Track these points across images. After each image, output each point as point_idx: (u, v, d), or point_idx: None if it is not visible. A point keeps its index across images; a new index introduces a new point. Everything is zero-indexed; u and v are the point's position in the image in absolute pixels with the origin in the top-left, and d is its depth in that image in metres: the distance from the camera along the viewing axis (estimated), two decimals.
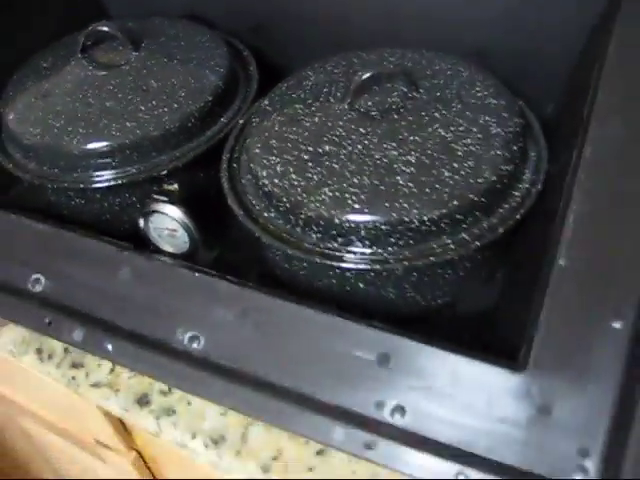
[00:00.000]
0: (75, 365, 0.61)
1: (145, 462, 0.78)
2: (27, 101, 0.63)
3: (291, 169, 0.53)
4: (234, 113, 0.63)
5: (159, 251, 0.61)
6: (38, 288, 0.55)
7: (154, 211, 0.60)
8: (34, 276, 0.55)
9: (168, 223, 0.60)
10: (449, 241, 0.51)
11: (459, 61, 0.59)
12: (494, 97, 0.56)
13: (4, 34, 0.69)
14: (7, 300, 0.54)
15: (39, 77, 0.64)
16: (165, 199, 0.59)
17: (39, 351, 0.63)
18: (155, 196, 0.59)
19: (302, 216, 0.52)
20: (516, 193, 0.54)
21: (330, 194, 0.51)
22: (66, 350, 0.62)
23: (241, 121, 0.62)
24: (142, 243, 0.61)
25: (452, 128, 0.54)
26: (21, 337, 0.64)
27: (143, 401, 0.58)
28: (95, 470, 0.86)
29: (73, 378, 0.60)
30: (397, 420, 0.44)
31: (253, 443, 0.54)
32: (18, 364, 0.70)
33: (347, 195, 0.51)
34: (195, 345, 0.49)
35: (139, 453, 0.78)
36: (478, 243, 0.51)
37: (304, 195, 0.52)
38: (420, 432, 0.43)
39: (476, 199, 0.51)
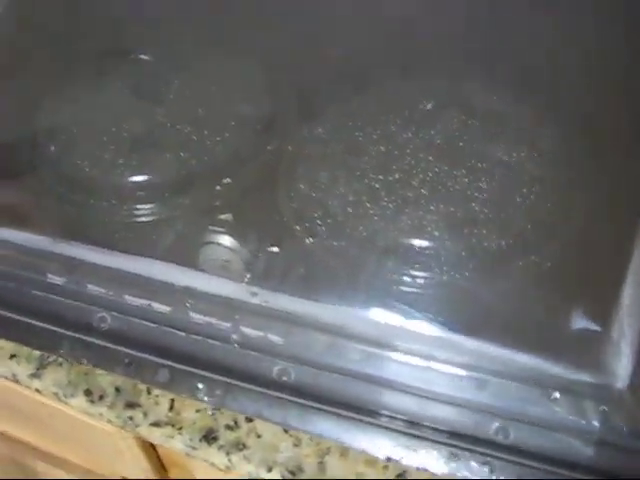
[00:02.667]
0: (131, 405, 0.59)
1: None
2: (70, 131, 0.60)
3: (365, 198, 0.54)
4: (280, 140, 0.63)
5: None
6: (104, 325, 0.53)
7: (208, 242, 0.59)
8: (99, 314, 0.54)
9: (223, 254, 0.59)
10: (520, 263, 0.53)
11: (503, 89, 0.61)
12: (553, 121, 0.59)
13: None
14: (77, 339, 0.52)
15: (78, 106, 0.62)
16: (221, 229, 0.58)
17: (88, 392, 0.60)
18: (211, 227, 0.58)
19: (381, 244, 0.52)
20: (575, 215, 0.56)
21: (409, 222, 0.52)
22: (117, 389, 0.60)
23: (290, 148, 0.62)
24: None
25: (514, 154, 0.56)
26: (66, 378, 0.61)
27: (210, 437, 0.57)
28: None
29: (130, 418, 0.58)
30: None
31: (332, 471, 0.54)
32: (43, 405, 0.67)
33: (425, 222, 0.52)
34: (286, 378, 0.49)
35: None
36: (549, 264, 0.53)
37: (382, 223, 0.52)
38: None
39: (548, 222, 0.53)
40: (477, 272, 0.52)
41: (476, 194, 0.53)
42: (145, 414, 0.58)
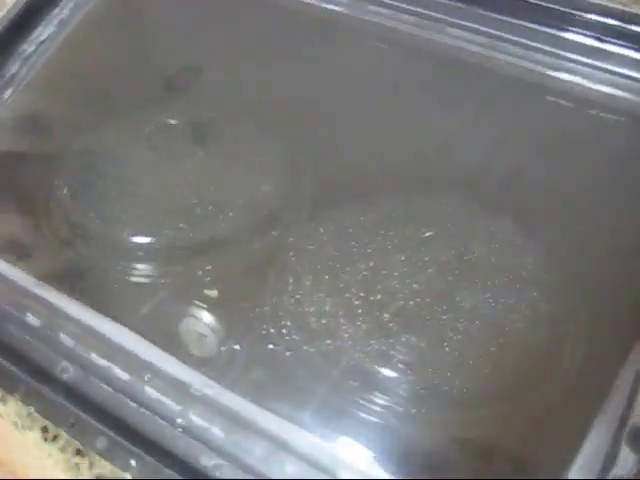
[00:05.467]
0: (80, 452, 0.60)
1: None
2: (84, 179, 0.63)
3: (341, 312, 0.54)
4: (285, 229, 0.63)
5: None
6: (66, 376, 0.55)
7: (189, 315, 0.60)
8: (63, 363, 0.55)
9: (201, 327, 0.60)
10: (483, 413, 0.52)
11: (513, 224, 0.61)
12: (546, 270, 0.58)
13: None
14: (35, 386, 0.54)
15: (100, 155, 0.65)
16: (204, 305, 0.59)
17: (44, 429, 0.61)
18: (196, 301, 0.59)
19: (344, 362, 0.52)
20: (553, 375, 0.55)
21: (376, 347, 0.52)
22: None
23: (291, 239, 0.62)
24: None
25: (502, 300, 0.55)
26: (26, 411, 0.62)
27: None
28: None
29: (76, 465, 0.59)
30: None
31: None
32: None
33: (393, 352, 0.52)
34: (218, 473, 0.50)
35: None
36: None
37: (350, 343, 0.53)
38: None
39: (517, 380, 0.52)
40: (433, 413, 0.51)
41: (451, 334, 0.53)
42: (91, 465, 0.59)
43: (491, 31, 0.60)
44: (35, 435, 0.61)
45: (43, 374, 0.55)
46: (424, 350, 0.52)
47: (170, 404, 0.52)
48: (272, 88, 0.70)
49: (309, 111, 0.67)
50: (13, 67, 0.67)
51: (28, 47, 0.68)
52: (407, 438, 0.51)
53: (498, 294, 0.55)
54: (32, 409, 0.55)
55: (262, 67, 0.71)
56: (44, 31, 0.68)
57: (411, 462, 0.49)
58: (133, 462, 0.50)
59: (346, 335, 0.53)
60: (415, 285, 0.55)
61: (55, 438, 0.61)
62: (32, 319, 0.57)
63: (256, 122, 0.69)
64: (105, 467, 0.58)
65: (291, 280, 0.58)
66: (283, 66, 0.70)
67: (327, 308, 0.55)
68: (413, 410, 0.51)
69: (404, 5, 0.62)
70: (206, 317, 0.58)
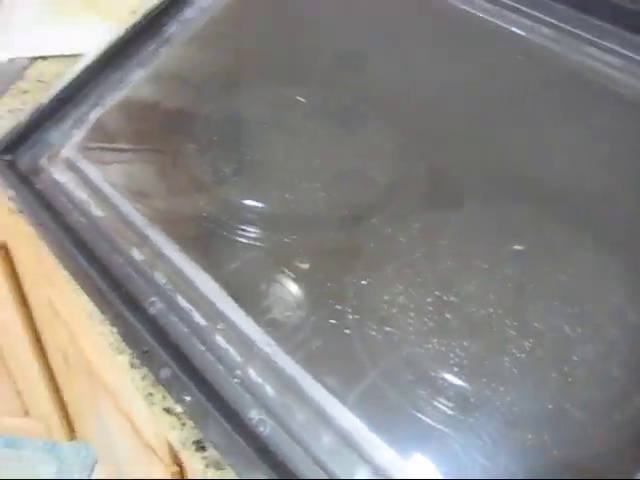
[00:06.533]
0: (156, 384, 0.65)
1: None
2: (210, 138, 0.68)
3: (412, 305, 0.55)
4: (385, 219, 0.65)
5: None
6: (152, 309, 0.60)
7: (273, 279, 0.63)
8: (153, 298, 0.60)
9: (279, 292, 0.63)
10: (530, 436, 0.51)
11: (608, 255, 0.58)
12: (634, 309, 0.55)
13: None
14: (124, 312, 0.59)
15: (230, 118, 0.69)
16: (288, 273, 0.62)
17: (134, 356, 0.67)
18: (282, 268, 0.62)
19: (404, 354, 0.53)
20: (618, 416, 0.52)
21: (437, 347, 0.53)
22: None
23: (389, 230, 0.64)
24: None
25: (579, 329, 0.53)
26: None
27: (200, 445, 0.61)
28: None
29: (150, 394, 0.64)
30: None
31: None
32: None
33: (452, 355, 0.52)
34: (262, 428, 0.53)
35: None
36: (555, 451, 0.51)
37: (413, 336, 0.53)
38: None
39: (572, 410, 0.50)
40: (476, 423, 0.51)
41: (514, 350, 0.52)
42: (164, 397, 0.64)
43: (629, 54, 0.58)
44: (124, 359, 0.67)
45: (134, 303, 0.60)
46: (483, 359, 0.52)
47: (234, 355, 0.55)
48: (407, 84, 0.71)
49: (433, 111, 0.68)
50: (172, 28, 0.73)
51: (190, 13, 0.74)
52: (445, 441, 0.51)
53: (576, 322, 0.54)
54: (115, 330, 0.61)
55: (405, 63, 0.72)
56: None
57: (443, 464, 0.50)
58: (188, 398, 0.55)
59: (411, 328, 0.54)
60: (491, 295, 0.55)
61: (140, 367, 0.66)
62: (137, 254, 0.63)
63: (385, 114, 0.71)
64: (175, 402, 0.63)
65: (375, 267, 0.60)
66: (422, 64, 0.71)
67: (401, 299, 0.56)
68: (460, 416, 0.51)
69: (545, 17, 0.61)
70: (286, 284, 0.61)
